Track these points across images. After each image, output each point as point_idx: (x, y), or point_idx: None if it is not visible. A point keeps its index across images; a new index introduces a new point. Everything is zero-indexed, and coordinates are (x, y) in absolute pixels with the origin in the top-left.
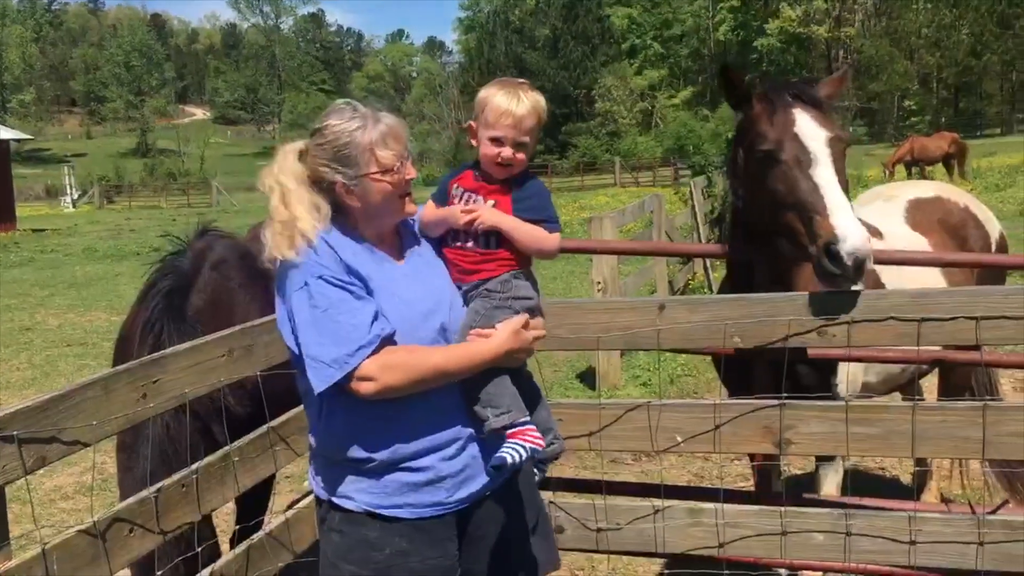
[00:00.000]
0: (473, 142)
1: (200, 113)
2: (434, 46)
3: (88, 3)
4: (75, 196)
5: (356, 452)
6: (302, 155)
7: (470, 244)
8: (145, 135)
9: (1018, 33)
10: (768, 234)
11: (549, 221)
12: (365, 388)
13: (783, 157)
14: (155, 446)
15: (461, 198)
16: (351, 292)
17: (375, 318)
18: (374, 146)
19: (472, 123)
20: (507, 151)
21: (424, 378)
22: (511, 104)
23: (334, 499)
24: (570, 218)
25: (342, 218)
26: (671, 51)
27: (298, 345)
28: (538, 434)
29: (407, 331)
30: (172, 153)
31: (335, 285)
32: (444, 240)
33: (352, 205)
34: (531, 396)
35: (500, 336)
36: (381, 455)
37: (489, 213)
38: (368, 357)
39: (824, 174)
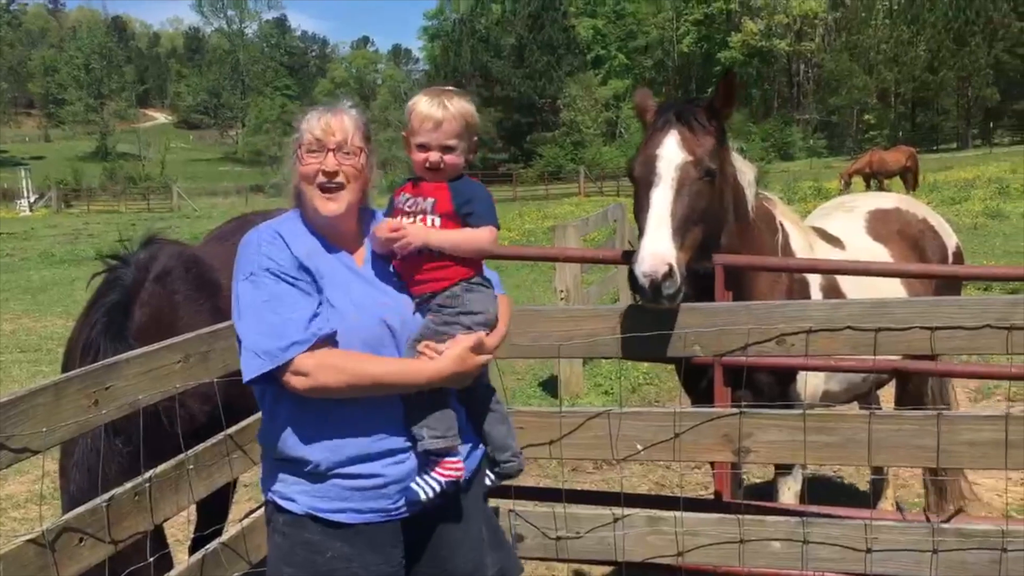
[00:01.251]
0: (407, 152)
1: (162, 117)
2: (400, 54)
3: (48, 4)
4: (32, 199)
5: (297, 453)
6: None
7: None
8: (105, 138)
9: (973, 50)
10: None
11: (483, 216)
12: (297, 383)
13: (636, 176)
14: (85, 472)
15: (405, 203)
16: (296, 287)
17: (315, 316)
18: (306, 123)
19: (404, 132)
20: (434, 155)
21: (359, 384)
22: (432, 109)
23: (278, 500)
24: (534, 227)
25: (302, 207)
26: (636, 62)
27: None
28: (460, 466)
29: (354, 334)
30: (132, 157)
31: (280, 278)
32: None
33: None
34: (485, 410)
35: (444, 359)
36: (322, 458)
37: (415, 232)
38: (303, 353)
39: (656, 196)
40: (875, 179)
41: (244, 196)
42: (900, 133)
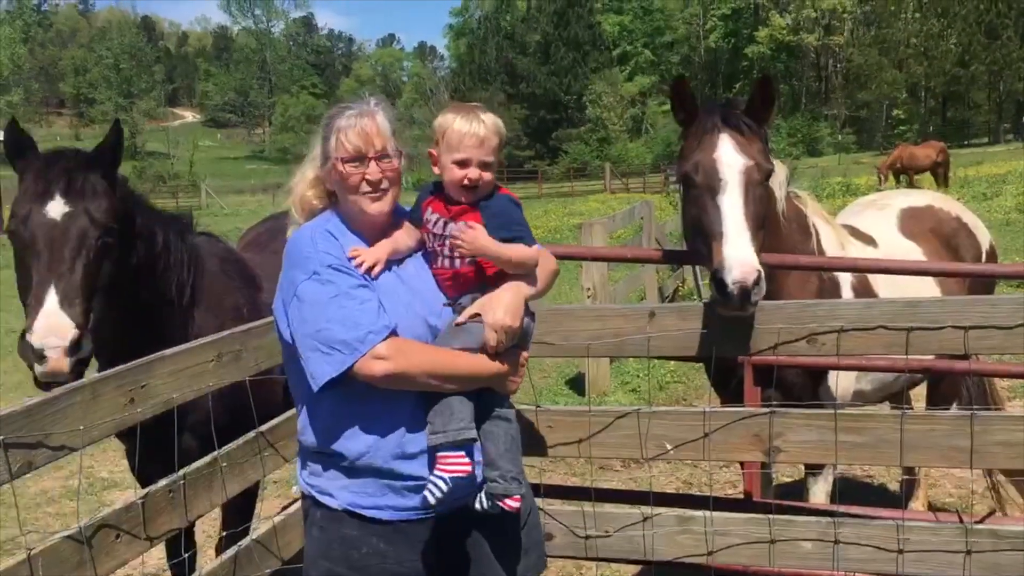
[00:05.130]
0: (435, 169)
1: (190, 116)
2: (425, 51)
3: (78, 5)
4: None
5: (335, 448)
6: None
7: (446, 263)
8: (134, 137)
9: (1005, 43)
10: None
11: (525, 238)
12: (378, 367)
13: (697, 181)
14: None
15: (434, 224)
16: (358, 280)
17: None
18: (340, 132)
19: (432, 151)
20: (473, 172)
21: (438, 372)
22: (472, 126)
23: (317, 495)
24: (560, 224)
25: (341, 210)
26: (662, 58)
27: (292, 336)
28: (465, 461)
29: (404, 334)
30: (161, 156)
31: (344, 272)
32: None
33: (330, 188)
34: (485, 416)
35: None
36: (361, 452)
37: (472, 238)
38: (380, 342)
39: (727, 202)
40: (905, 174)
41: (271, 194)
42: (931, 128)
